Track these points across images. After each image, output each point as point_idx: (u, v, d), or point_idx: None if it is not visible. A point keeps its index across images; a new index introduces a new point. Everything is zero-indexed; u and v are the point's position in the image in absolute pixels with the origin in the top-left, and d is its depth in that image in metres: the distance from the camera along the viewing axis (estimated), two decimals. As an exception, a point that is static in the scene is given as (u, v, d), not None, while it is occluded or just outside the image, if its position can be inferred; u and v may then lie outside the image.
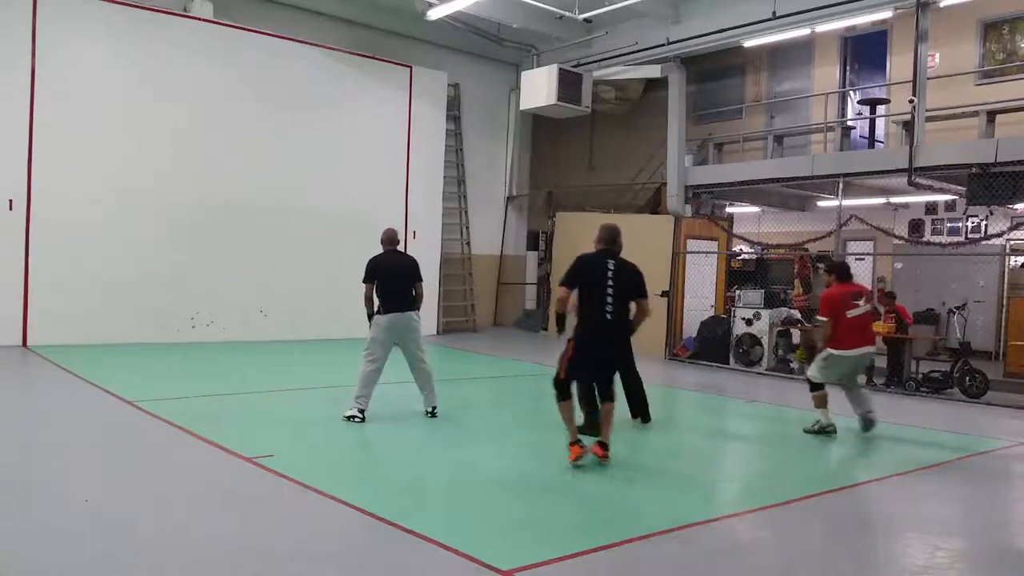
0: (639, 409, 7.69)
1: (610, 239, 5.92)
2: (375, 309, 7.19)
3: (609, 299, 5.70)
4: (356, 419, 6.97)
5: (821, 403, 7.60)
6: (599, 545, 4.24)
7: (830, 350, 7.50)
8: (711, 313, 13.76)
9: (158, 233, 11.83)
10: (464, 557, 3.97)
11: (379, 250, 7.38)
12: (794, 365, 11.60)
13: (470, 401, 8.49)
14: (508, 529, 4.60)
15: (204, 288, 12.24)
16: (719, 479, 6.39)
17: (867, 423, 7.64)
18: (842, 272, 7.69)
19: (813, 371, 7.68)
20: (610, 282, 5.71)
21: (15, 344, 10.79)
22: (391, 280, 7.23)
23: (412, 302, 7.30)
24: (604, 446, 5.89)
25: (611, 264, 5.80)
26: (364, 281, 7.19)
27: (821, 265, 7.87)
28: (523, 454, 6.62)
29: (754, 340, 12.21)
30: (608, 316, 5.71)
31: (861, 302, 7.56)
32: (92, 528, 4.24)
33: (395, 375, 7.57)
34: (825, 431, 7.58)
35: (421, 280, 7.45)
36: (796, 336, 12.19)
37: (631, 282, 5.83)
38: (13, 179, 10.77)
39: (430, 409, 7.41)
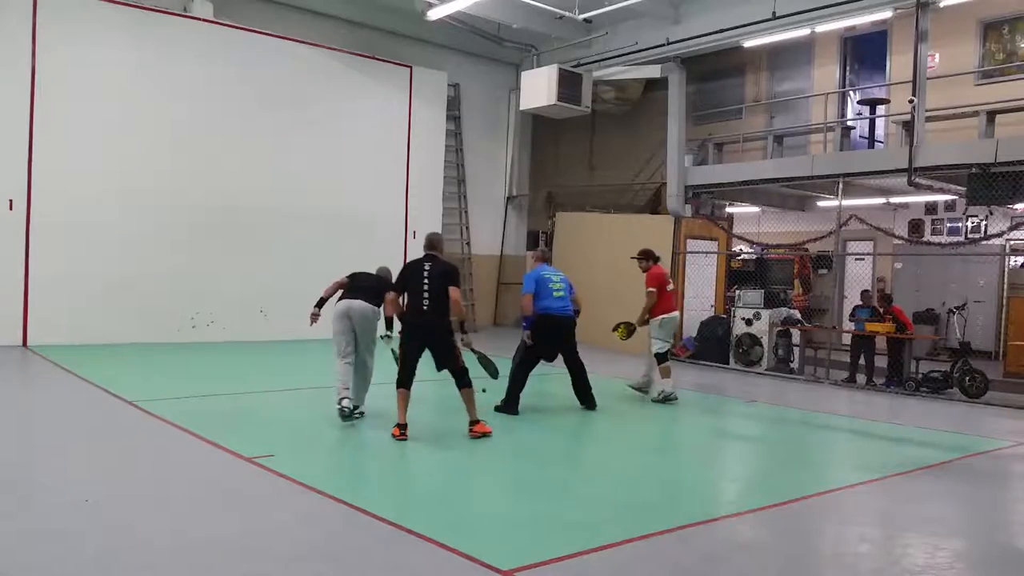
0: (582, 396, 8.30)
1: (428, 245, 6.78)
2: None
3: (425, 294, 6.45)
4: (345, 412, 6.78)
5: (668, 373, 8.89)
6: (599, 545, 4.23)
7: (661, 316, 8.95)
8: (711, 313, 13.76)
9: (158, 233, 11.83)
10: (464, 557, 3.97)
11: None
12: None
13: (470, 401, 8.49)
14: (508, 529, 4.60)
15: (204, 288, 12.24)
16: (718, 479, 6.39)
17: (642, 389, 9.20)
18: (654, 257, 9.24)
19: (659, 344, 8.94)
20: (426, 281, 6.47)
21: (15, 344, 10.79)
22: (357, 277, 7.30)
23: (374, 297, 7.05)
24: (474, 423, 6.62)
25: (427, 265, 6.56)
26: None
27: (635, 256, 9.31)
28: (522, 454, 6.62)
29: (754, 340, 12.20)
30: (424, 308, 6.46)
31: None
32: (92, 528, 4.24)
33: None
34: (669, 399, 8.82)
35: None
36: (796, 336, 12.19)
37: (442, 276, 6.51)
38: (13, 179, 10.77)
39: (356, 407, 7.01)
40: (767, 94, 15.30)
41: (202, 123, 12.30)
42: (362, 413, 7.18)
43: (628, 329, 9.35)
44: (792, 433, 7.94)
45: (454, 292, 6.43)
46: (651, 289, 8.99)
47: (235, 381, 9.35)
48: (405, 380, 6.54)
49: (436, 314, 6.45)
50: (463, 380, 6.59)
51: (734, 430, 8.48)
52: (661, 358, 8.89)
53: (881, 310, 11.05)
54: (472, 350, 6.66)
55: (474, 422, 6.63)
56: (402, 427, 6.43)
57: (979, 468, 6.66)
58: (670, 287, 9.27)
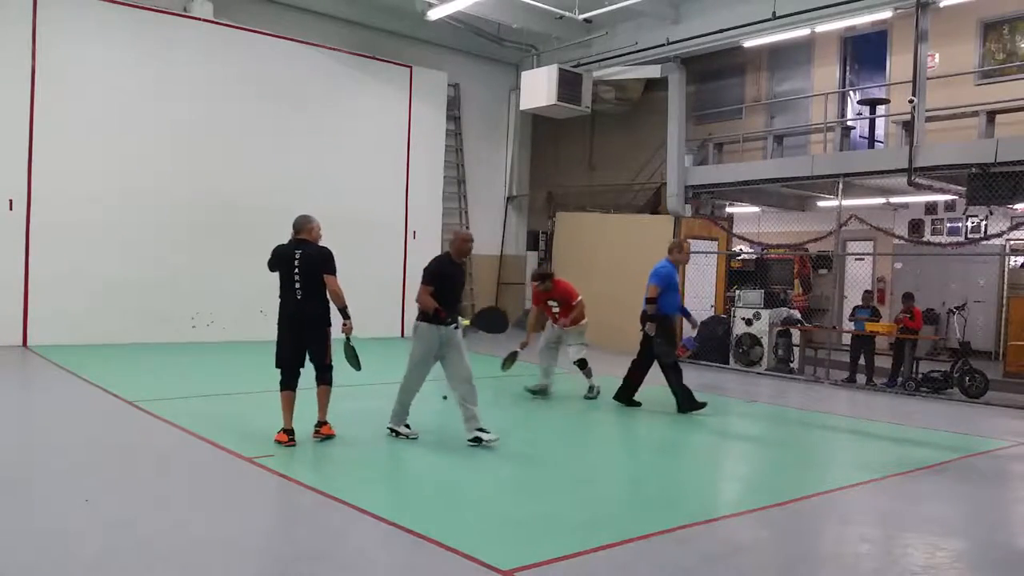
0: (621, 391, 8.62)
1: (295, 229, 6.50)
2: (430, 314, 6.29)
3: (297, 283, 6.15)
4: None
5: (590, 374, 9.11)
6: (599, 545, 4.24)
7: (585, 322, 9.00)
8: (711, 313, 13.75)
9: (158, 233, 11.83)
10: (464, 557, 3.97)
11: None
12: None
13: (470, 401, 8.48)
14: (508, 529, 4.60)
15: (204, 288, 12.24)
16: (718, 479, 6.39)
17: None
18: (550, 274, 9.24)
19: (582, 351, 9.05)
20: (296, 269, 6.17)
21: (15, 344, 10.79)
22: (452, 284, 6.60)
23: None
24: (321, 424, 6.28)
25: (297, 252, 6.27)
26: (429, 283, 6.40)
27: (543, 276, 9.16)
28: (523, 454, 6.62)
29: (754, 340, 12.20)
30: (298, 297, 6.16)
31: None
32: (92, 528, 4.24)
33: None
34: (597, 393, 9.05)
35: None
36: (796, 336, 12.18)
37: (314, 262, 6.19)
38: (13, 179, 10.77)
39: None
40: (767, 94, 15.30)
41: (202, 123, 12.30)
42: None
43: (512, 359, 9.13)
44: (792, 433, 7.94)
45: (331, 282, 6.08)
46: (580, 298, 8.99)
47: (235, 381, 9.34)
48: (287, 380, 6.17)
49: (310, 303, 6.12)
50: (324, 376, 6.26)
51: (734, 430, 8.48)
52: (584, 363, 9.05)
53: (901, 309, 11.01)
54: (348, 338, 6.22)
55: (321, 423, 6.27)
56: (288, 432, 6.07)
57: (979, 468, 6.66)
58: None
